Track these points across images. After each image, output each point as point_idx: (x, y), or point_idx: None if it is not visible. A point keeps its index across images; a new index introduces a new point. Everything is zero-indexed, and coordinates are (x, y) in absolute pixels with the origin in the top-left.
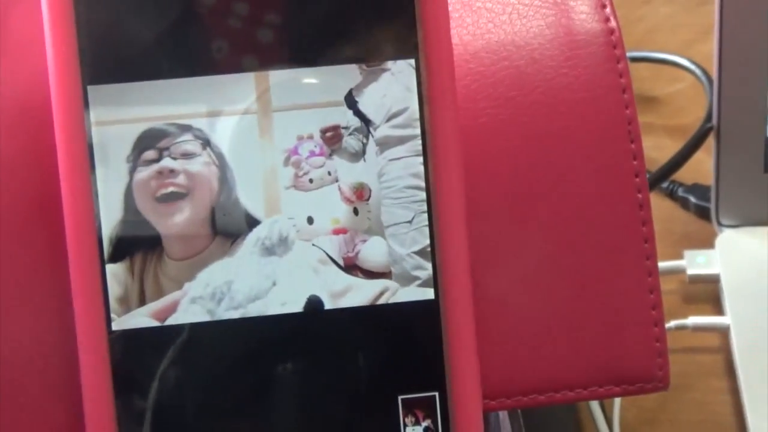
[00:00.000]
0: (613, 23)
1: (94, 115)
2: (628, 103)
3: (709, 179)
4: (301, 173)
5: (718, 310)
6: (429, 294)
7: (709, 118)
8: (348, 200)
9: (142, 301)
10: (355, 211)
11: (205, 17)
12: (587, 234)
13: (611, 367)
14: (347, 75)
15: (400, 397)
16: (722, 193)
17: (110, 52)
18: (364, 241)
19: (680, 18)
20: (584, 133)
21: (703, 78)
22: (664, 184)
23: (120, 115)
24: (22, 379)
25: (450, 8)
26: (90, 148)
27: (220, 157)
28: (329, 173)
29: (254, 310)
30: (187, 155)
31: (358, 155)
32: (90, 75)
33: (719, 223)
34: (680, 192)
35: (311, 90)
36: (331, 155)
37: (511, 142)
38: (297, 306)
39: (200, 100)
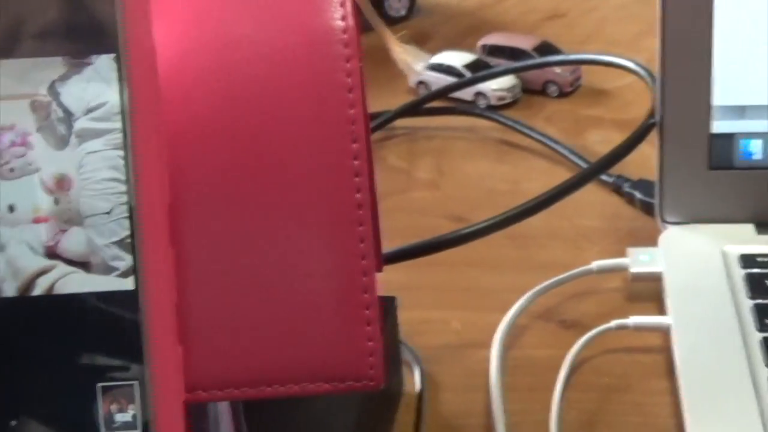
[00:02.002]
0: (348, 21)
1: None
2: (354, 103)
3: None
4: (2, 162)
5: (662, 309)
6: (128, 284)
7: (653, 113)
8: (49, 190)
9: None
10: (56, 201)
11: None
12: (302, 232)
13: (321, 364)
14: (50, 67)
15: (99, 385)
16: (666, 189)
17: None
18: (65, 231)
19: (632, 9)
20: (306, 132)
21: (647, 77)
22: (610, 180)
23: None
24: None
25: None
26: None
27: None
28: (30, 164)
29: None
30: None
31: (62, 143)
32: None
33: (663, 220)
34: (626, 188)
35: (14, 81)
36: (32, 146)
37: (226, 139)
38: None
39: None
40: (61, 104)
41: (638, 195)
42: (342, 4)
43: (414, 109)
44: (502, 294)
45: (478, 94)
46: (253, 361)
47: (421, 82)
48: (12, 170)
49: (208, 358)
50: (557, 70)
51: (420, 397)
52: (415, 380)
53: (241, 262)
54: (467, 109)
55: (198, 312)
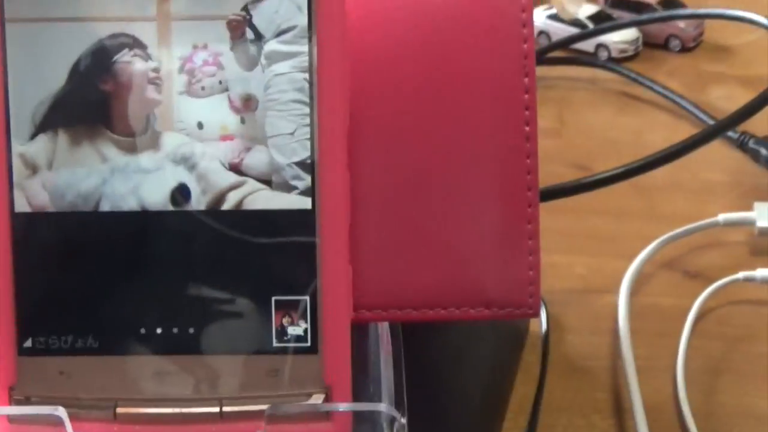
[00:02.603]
0: None
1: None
2: (527, 38)
3: None
4: (194, 80)
5: None
6: (306, 203)
7: None
8: (236, 109)
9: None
10: (242, 120)
11: None
12: (473, 161)
13: (484, 290)
14: None
15: (274, 298)
16: None
17: None
18: (249, 149)
19: None
20: (481, 64)
21: None
22: (735, 135)
23: (34, 14)
24: None
25: None
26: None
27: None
28: (220, 82)
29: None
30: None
31: (251, 64)
32: None
33: None
34: (751, 144)
35: (209, 2)
36: (223, 66)
37: (406, 68)
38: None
39: (113, 4)
40: (252, 26)
41: (764, 151)
42: None
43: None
44: (626, 242)
45: (600, 45)
46: (418, 284)
47: (541, 32)
48: (203, 88)
49: (375, 279)
50: (680, 24)
51: (545, 337)
52: (540, 321)
53: (413, 188)
54: (590, 60)
55: (368, 234)
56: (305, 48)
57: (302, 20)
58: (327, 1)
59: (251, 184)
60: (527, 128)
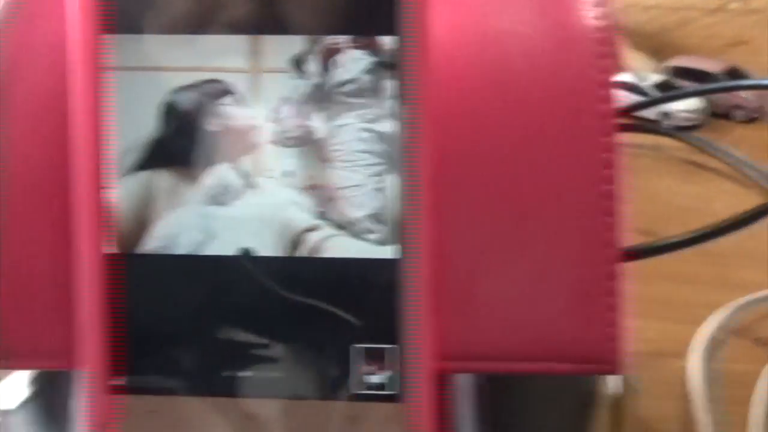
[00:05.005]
0: (605, 21)
1: (107, 60)
2: (606, 98)
3: None
4: (284, 131)
5: None
6: (388, 252)
7: None
8: (322, 159)
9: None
10: (329, 168)
11: None
12: (555, 214)
13: (568, 345)
14: (295, 43)
15: (357, 345)
16: None
17: (125, 6)
18: (333, 198)
19: None
20: (561, 122)
21: None
22: None
23: (131, 63)
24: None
25: None
26: (100, 91)
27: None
28: (310, 134)
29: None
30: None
31: (334, 115)
32: (104, 25)
33: None
34: None
35: (279, 55)
36: (309, 118)
37: (490, 125)
38: (271, 250)
39: (207, 55)
40: (324, 77)
41: None
42: (598, 5)
43: None
44: (696, 308)
45: (664, 114)
46: (503, 337)
47: None
48: (291, 138)
49: (460, 330)
50: (744, 94)
51: (619, 398)
52: (612, 383)
53: (496, 239)
54: (656, 127)
55: (453, 284)
56: (372, 100)
57: (365, 72)
58: (415, 60)
59: (332, 230)
60: (608, 186)
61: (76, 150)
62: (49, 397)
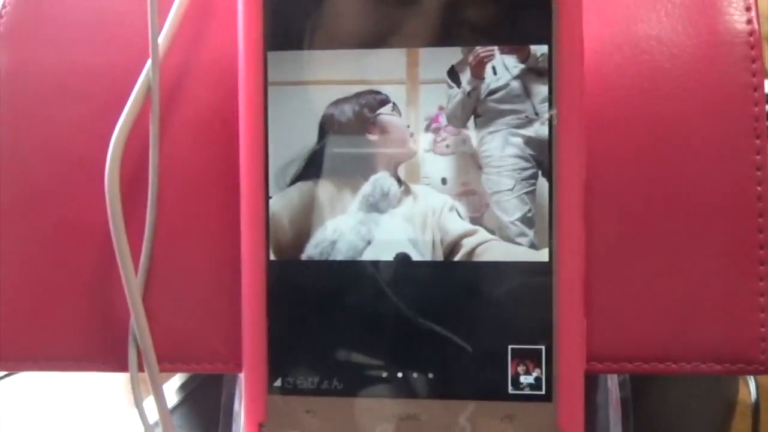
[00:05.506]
0: (754, 25)
1: (272, 75)
2: (758, 101)
3: None
4: (439, 139)
5: None
6: (542, 256)
7: None
8: (475, 165)
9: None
10: (483, 175)
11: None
12: (704, 216)
13: (715, 345)
14: (456, 53)
15: (510, 346)
16: None
17: (289, 25)
18: (488, 204)
19: None
20: (711, 126)
21: None
22: None
23: (294, 78)
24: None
25: (599, 1)
26: (265, 105)
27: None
28: (464, 141)
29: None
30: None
31: (486, 122)
32: (270, 42)
33: None
34: None
35: (436, 67)
36: (466, 127)
37: (639, 130)
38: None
39: (366, 68)
40: (477, 85)
41: None
42: (748, 9)
43: None
44: None
45: None
46: (649, 338)
47: None
48: (447, 146)
49: (607, 332)
50: None
51: (756, 405)
52: (750, 389)
53: (644, 242)
54: None
55: (601, 287)
56: (519, 106)
57: (515, 80)
58: (568, 68)
59: (486, 234)
60: (759, 188)
61: (244, 161)
62: (200, 399)
